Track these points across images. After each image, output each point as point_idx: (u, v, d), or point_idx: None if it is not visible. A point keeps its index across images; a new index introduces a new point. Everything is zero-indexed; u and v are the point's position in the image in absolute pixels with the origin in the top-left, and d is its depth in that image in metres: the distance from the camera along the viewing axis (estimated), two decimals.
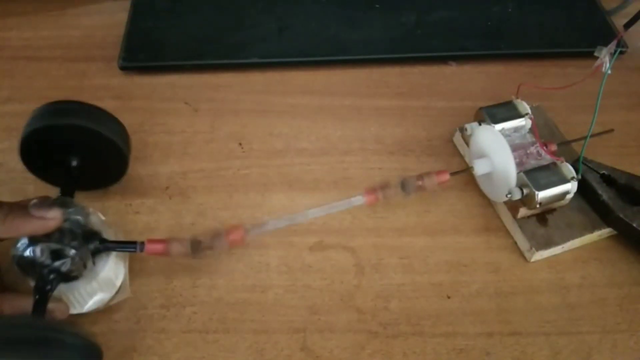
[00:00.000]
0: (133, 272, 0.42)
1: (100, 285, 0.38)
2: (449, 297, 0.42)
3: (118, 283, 0.40)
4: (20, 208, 0.35)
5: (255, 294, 0.42)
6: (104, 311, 0.40)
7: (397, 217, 0.46)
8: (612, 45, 0.40)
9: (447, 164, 0.49)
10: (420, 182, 0.42)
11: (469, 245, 0.44)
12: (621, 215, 0.43)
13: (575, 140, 0.47)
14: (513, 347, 0.40)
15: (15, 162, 0.42)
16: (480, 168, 0.44)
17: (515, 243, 0.44)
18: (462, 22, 0.59)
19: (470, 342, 0.40)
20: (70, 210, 0.36)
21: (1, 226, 0.34)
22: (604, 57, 0.40)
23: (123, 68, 0.54)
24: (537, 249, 0.42)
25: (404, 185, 0.42)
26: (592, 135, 0.43)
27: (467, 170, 0.45)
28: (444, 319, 0.41)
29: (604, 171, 0.45)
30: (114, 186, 0.46)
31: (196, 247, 0.38)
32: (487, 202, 0.47)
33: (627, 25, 0.42)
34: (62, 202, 0.37)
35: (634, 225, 0.42)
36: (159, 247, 0.38)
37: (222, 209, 0.46)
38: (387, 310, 0.41)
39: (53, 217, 0.35)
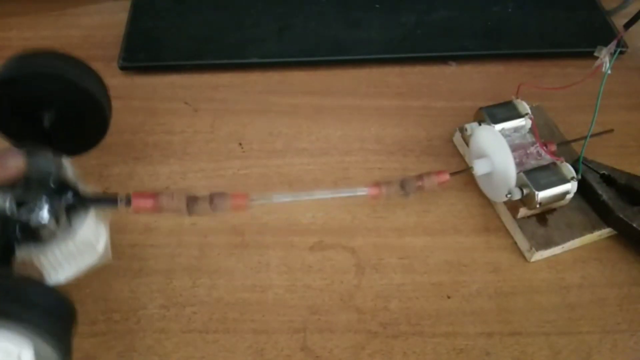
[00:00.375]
0: (132, 272, 0.42)
1: (77, 248, 0.34)
2: (449, 297, 0.42)
3: (100, 247, 0.35)
4: None
5: (255, 294, 0.42)
6: (104, 311, 0.40)
7: (397, 217, 0.46)
8: (612, 46, 0.40)
9: (447, 164, 0.49)
10: (420, 183, 0.42)
11: (469, 245, 0.44)
12: (621, 215, 0.43)
13: (575, 140, 0.47)
14: (513, 347, 0.40)
15: None
16: (480, 168, 0.44)
17: (515, 243, 0.44)
18: (462, 22, 0.59)
19: (470, 342, 0.40)
20: (39, 158, 0.32)
21: None
22: (604, 57, 0.40)
23: (123, 68, 0.54)
24: (537, 249, 0.42)
25: (403, 185, 0.42)
26: (592, 135, 0.43)
27: (467, 170, 0.45)
28: (444, 319, 0.41)
29: (603, 171, 0.45)
30: (112, 185, 0.46)
31: (193, 202, 0.34)
32: (487, 202, 0.47)
33: (627, 25, 0.42)
34: (31, 151, 0.32)
35: (634, 225, 0.42)
36: (147, 202, 0.33)
37: None
38: (387, 310, 0.41)
39: (14, 165, 0.31)
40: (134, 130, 0.49)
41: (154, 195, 0.33)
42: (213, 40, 0.57)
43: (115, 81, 0.54)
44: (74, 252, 0.34)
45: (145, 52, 0.56)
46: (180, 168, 0.48)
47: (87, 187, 0.35)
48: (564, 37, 0.58)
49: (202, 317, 0.40)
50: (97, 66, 0.55)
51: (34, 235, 0.32)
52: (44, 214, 0.32)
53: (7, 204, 0.31)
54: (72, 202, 0.33)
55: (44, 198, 0.32)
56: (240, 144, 0.50)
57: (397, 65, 0.57)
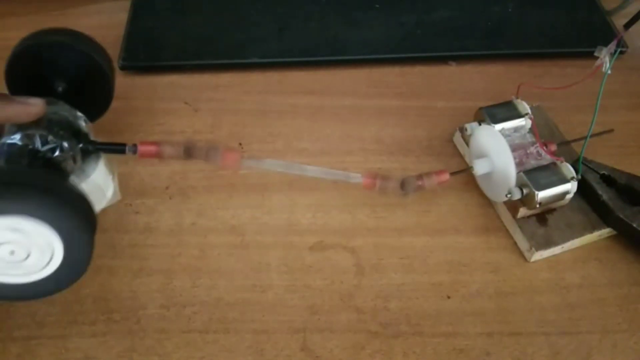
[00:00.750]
0: (132, 272, 0.42)
1: (89, 190, 0.36)
2: (449, 297, 0.42)
3: (108, 194, 0.39)
4: (2, 94, 0.35)
5: (255, 294, 0.42)
6: (104, 311, 0.40)
7: (397, 217, 0.46)
8: (612, 46, 0.40)
9: (447, 164, 0.49)
10: (420, 182, 0.42)
11: (469, 245, 0.44)
12: (621, 216, 0.43)
13: (575, 140, 0.47)
14: (513, 347, 0.40)
15: None
16: (480, 168, 0.44)
17: (515, 243, 0.44)
18: (462, 22, 0.59)
19: (470, 342, 0.40)
20: (60, 106, 0.36)
21: None
22: (604, 57, 0.40)
23: (123, 68, 0.54)
24: (537, 249, 0.42)
25: (403, 185, 0.42)
26: (592, 135, 0.43)
27: (467, 170, 0.45)
28: (444, 319, 0.41)
29: (604, 171, 0.45)
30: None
31: (189, 151, 0.38)
32: (487, 202, 0.47)
33: (627, 25, 0.42)
34: (50, 100, 0.37)
35: (634, 225, 0.42)
36: (151, 148, 0.37)
37: (222, 209, 0.46)
38: (387, 310, 0.41)
39: (36, 103, 0.34)
40: (134, 130, 0.49)
41: (157, 143, 0.38)
42: (213, 40, 0.57)
43: (116, 81, 0.54)
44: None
45: (145, 52, 0.56)
46: (181, 168, 0.48)
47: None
48: (564, 37, 0.58)
49: (202, 317, 0.40)
50: None
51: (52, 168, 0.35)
52: (65, 150, 0.35)
53: (34, 141, 0.35)
54: (85, 147, 0.37)
55: (64, 136, 0.35)
56: (240, 144, 0.50)
57: (397, 65, 0.57)
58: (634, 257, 0.44)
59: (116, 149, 0.37)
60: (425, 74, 0.56)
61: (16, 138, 0.35)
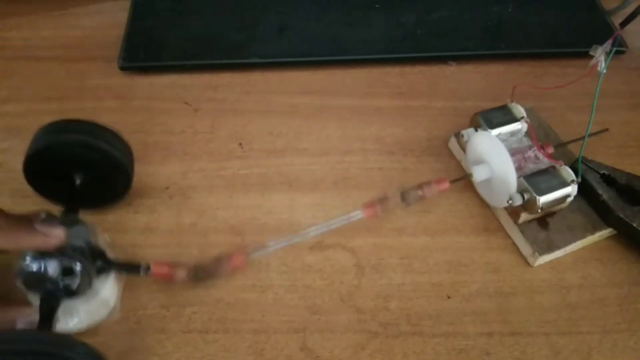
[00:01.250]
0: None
1: (97, 306, 0.38)
2: (449, 297, 0.42)
3: (112, 304, 0.39)
4: (26, 221, 0.34)
5: (255, 294, 0.42)
6: None
7: (397, 217, 0.46)
8: (608, 44, 0.40)
9: (447, 164, 0.49)
10: (420, 192, 0.42)
11: (469, 245, 0.44)
12: (621, 215, 0.43)
13: (571, 142, 0.47)
14: (513, 347, 0.40)
15: (15, 162, 0.42)
16: (479, 174, 0.44)
17: (515, 243, 0.44)
18: (462, 22, 0.59)
19: (470, 342, 0.40)
20: (79, 227, 0.36)
21: (3, 237, 0.33)
22: (599, 56, 0.40)
23: (123, 68, 0.54)
24: (540, 254, 0.42)
25: (404, 197, 0.42)
26: (588, 135, 0.43)
27: (466, 177, 0.44)
28: (444, 319, 0.41)
29: (604, 171, 0.45)
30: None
31: (199, 274, 0.39)
32: (487, 203, 0.47)
33: (623, 24, 0.42)
34: (71, 219, 0.37)
35: (634, 225, 0.42)
36: (163, 268, 0.39)
37: (222, 209, 0.46)
38: (387, 310, 0.41)
39: (57, 236, 0.34)
40: (133, 130, 0.49)
41: (169, 265, 0.39)
42: (213, 40, 0.57)
43: (115, 81, 0.54)
44: (94, 309, 0.38)
45: (145, 52, 0.56)
46: (180, 168, 0.48)
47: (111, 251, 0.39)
48: (564, 37, 0.58)
49: (202, 317, 0.40)
50: (97, 66, 0.55)
51: (68, 294, 0.36)
52: (84, 278, 0.35)
53: (55, 272, 0.34)
54: (102, 267, 0.37)
55: (84, 263, 0.35)
56: (240, 144, 0.50)
57: (397, 65, 0.57)
58: (634, 257, 0.44)
59: (130, 269, 0.38)
60: (425, 74, 0.56)
61: (33, 265, 0.34)
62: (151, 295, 0.41)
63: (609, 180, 0.45)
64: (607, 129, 0.48)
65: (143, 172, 0.48)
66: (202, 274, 0.39)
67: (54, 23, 0.60)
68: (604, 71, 0.40)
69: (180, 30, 0.58)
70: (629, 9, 0.60)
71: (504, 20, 0.59)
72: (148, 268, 0.38)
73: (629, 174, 0.45)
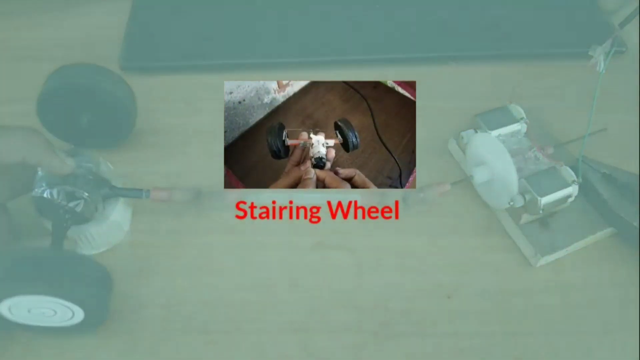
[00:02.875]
0: (132, 272, 0.42)
1: (109, 228, 0.42)
2: (449, 297, 0.42)
3: (126, 227, 0.44)
4: (48, 143, 0.39)
5: (255, 294, 0.42)
6: None
7: (398, 217, 0.46)
8: (607, 45, 0.40)
9: (447, 164, 0.49)
10: (421, 194, 0.42)
11: (469, 245, 0.44)
12: (622, 215, 0.43)
13: (571, 142, 0.47)
14: (513, 347, 0.40)
15: None
16: (479, 176, 0.44)
17: (515, 243, 0.44)
18: (462, 22, 0.59)
19: (470, 342, 0.40)
20: (83, 157, 0.41)
21: (33, 155, 0.38)
22: (599, 57, 0.40)
23: (123, 68, 0.54)
24: (543, 255, 0.42)
25: (405, 200, 0.42)
26: (588, 135, 0.43)
27: (467, 179, 0.44)
28: (444, 319, 0.41)
29: (604, 170, 0.45)
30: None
31: (197, 195, 0.43)
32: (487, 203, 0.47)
33: (622, 24, 0.42)
34: (76, 151, 0.41)
35: (635, 224, 0.42)
36: (163, 194, 0.42)
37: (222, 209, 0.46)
38: (387, 310, 0.41)
39: (69, 165, 0.39)
40: (133, 130, 0.49)
41: (168, 189, 0.42)
42: (213, 40, 0.57)
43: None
44: (106, 231, 0.42)
45: (145, 52, 0.56)
46: (180, 168, 0.48)
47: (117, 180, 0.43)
48: (563, 37, 0.58)
49: (202, 317, 0.40)
50: None
51: (76, 218, 0.40)
52: (88, 203, 0.40)
53: (60, 198, 0.39)
54: (106, 193, 0.41)
55: (87, 189, 0.40)
56: None
57: (397, 65, 0.56)
58: (634, 257, 0.44)
59: (133, 193, 0.42)
60: (425, 74, 0.56)
61: (46, 192, 0.39)
62: (151, 295, 0.41)
63: (609, 179, 0.45)
64: (605, 129, 0.48)
65: (143, 172, 0.47)
66: (200, 196, 0.43)
67: (54, 23, 0.60)
68: (604, 71, 0.40)
69: (181, 30, 0.58)
70: (629, 10, 0.60)
71: (503, 20, 0.59)
72: (149, 192, 0.42)
73: (630, 173, 0.45)
